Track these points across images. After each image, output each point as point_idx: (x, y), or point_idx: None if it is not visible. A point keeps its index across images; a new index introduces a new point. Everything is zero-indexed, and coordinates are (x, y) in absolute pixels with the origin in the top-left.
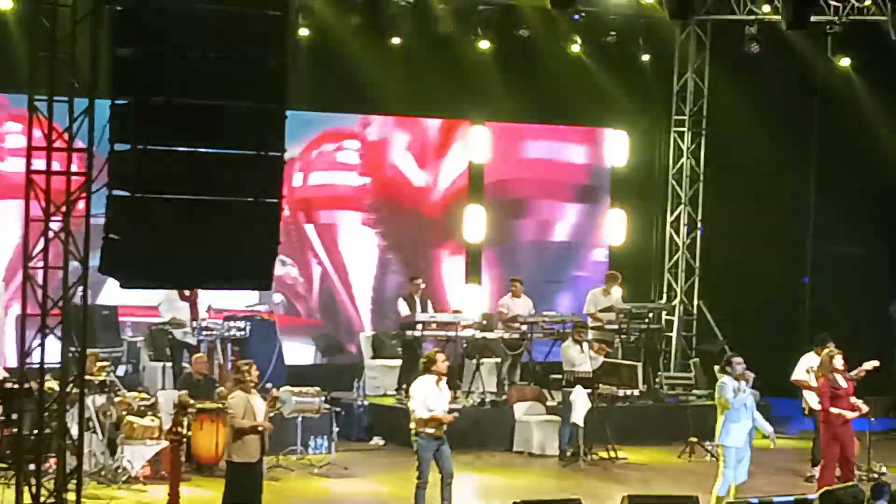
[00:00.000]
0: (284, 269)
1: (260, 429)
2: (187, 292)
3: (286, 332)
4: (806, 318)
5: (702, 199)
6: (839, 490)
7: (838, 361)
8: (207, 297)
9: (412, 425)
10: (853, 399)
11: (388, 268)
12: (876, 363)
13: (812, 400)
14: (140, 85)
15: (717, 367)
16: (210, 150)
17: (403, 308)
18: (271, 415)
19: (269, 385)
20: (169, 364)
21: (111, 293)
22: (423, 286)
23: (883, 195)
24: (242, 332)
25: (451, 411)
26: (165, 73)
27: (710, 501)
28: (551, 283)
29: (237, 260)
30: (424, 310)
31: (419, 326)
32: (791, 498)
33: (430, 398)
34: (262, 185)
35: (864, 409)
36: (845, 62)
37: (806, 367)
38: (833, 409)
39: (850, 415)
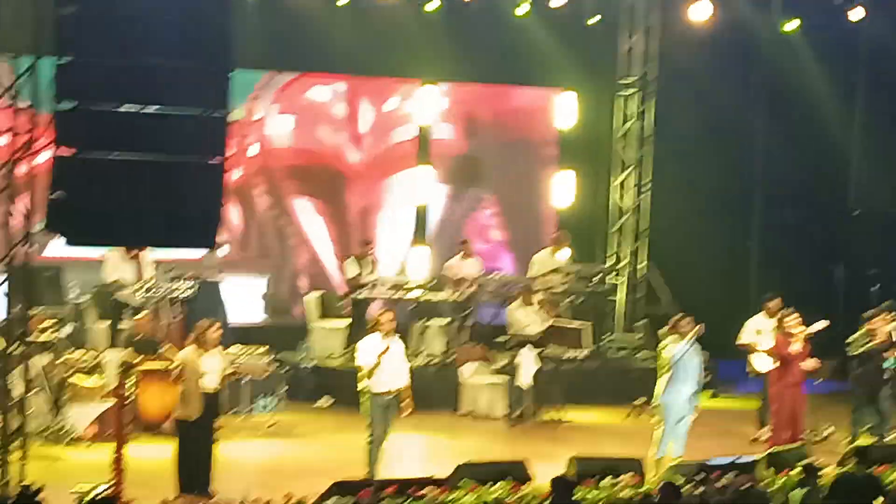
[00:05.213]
0: (236, 219)
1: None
2: (133, 251)
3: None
4: (753, 280)
5: (650, 162)
6: (785, 451)
7: (788, 323)
8: (153, 254)
9: (360, 385)
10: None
11: (338, 230)
12: (826, 323)
13: (758, 363)
14: (84, 43)
15: (662, 329)
16: (154, 110)
17: (351, 269)
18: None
19: None
20: (114, 323)
21: (54, 248)
22: (372, 249)
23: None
24: (188, 293)
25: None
26: (109, 31)
27: (649, 463)
28: (499, 244)
29: (181, 219)
30: (372, 271)
31: (366, 288)
32: (737, 460)
33: (371, 357)
34: (206, 145)
35: (816, 366)
36: (792, 26)
37: (754, 330)
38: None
39: (808, 365)
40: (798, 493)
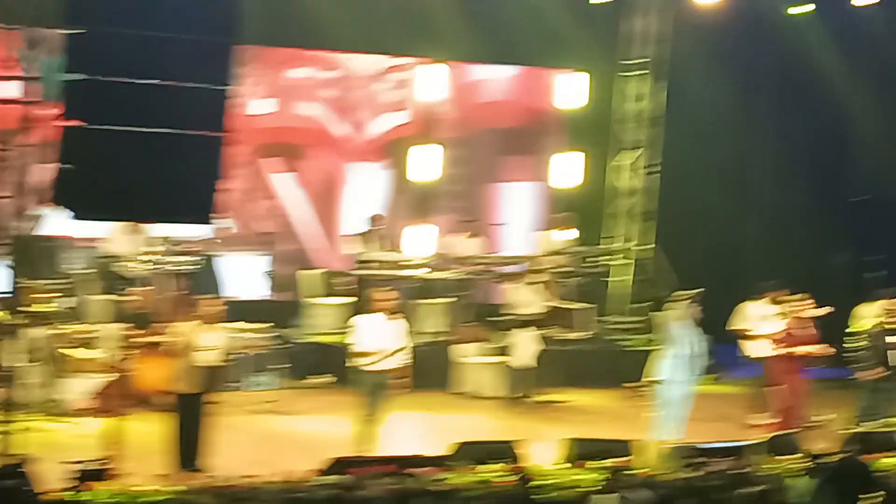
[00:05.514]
0: (240, 195)
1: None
2: (133, 225)
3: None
4: (752, 265)
5: (658, 143)
6: (783, 437)
7: (798, 307)
8: (157, 229)
9: (352, 363)
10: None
11: (344, 206)
12: (829, 309)
13: (754, 348)
14: (93, 17)
15: (659, 313)
16: (158, 82)
17: (355, 246)
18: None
19: None
20: (113, 297)
21: (58, 224)
22: (382, 227)
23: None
24: (187, 267)
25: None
26: (117, 4)
27: (646, 445)
28: (503, 224)
29: (180, 193)
30: (379, 249)
31: (367, 265)
32: (733, 444)
33: (369, 332)
34: (208, 120)
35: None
36: (805, 8)
37: (756, 315)
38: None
39: (810, 349)
40: (804, 482)
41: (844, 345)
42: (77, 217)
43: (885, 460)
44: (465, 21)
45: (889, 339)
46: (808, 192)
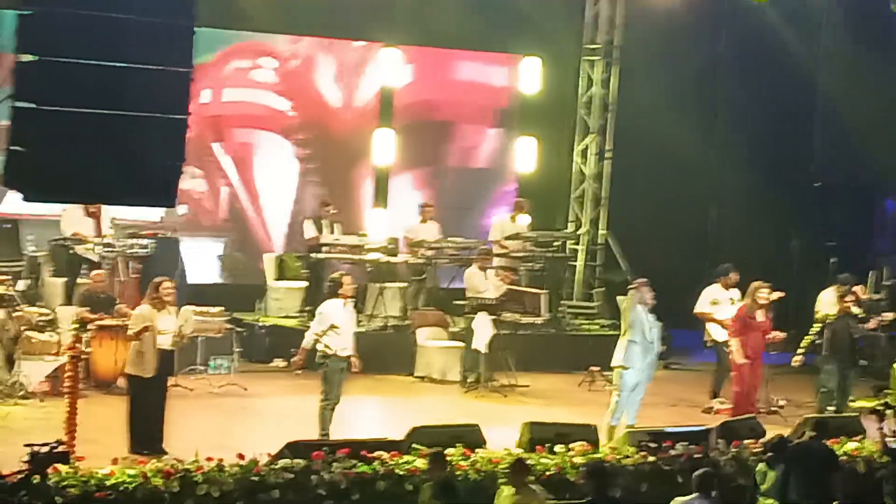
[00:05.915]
0: (192, 182)
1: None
2: (92, 208)
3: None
4: (710, 250)
5: (612, 129)
6: (737, 422)
7: (762, 294)
8: (111, 213)
9: (319, 348)
10: (770, 335)
11: (301, 190)
12: (781, 294)
13: (714, 332)
14: None
15: (620, 297)
16: (117, 64)
17: (309, 230)
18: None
19: None
20: (70, 279)
21: (11, 204)
22: (333, 211)
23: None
24: (145, 250)
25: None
26: None
27: (602, 430)
28: (460, 210)
29: (141, 176)
30: (332, 233)
31: (324, 249)
32: (689, 429)
33: (335, 321)
34: (168, 102)
35: (780, 336)
36: None
37: (710, 300)
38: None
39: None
40: (771, 474)
41: (810, 331)
42: (27, 200)
43: (848, 445)
44: (424, 6)
45: (853, 324)
46: (765, 176)
